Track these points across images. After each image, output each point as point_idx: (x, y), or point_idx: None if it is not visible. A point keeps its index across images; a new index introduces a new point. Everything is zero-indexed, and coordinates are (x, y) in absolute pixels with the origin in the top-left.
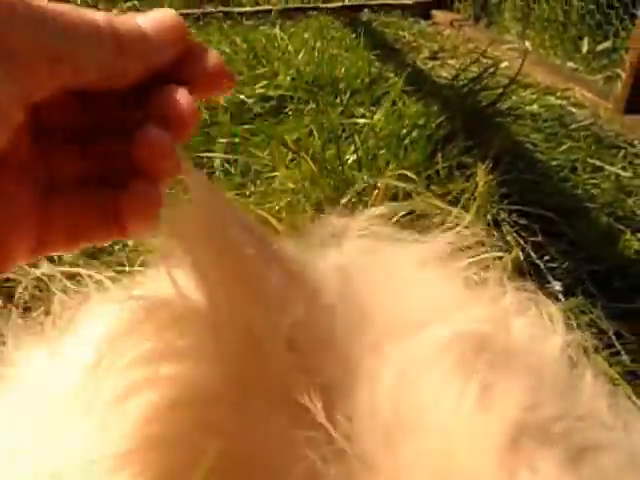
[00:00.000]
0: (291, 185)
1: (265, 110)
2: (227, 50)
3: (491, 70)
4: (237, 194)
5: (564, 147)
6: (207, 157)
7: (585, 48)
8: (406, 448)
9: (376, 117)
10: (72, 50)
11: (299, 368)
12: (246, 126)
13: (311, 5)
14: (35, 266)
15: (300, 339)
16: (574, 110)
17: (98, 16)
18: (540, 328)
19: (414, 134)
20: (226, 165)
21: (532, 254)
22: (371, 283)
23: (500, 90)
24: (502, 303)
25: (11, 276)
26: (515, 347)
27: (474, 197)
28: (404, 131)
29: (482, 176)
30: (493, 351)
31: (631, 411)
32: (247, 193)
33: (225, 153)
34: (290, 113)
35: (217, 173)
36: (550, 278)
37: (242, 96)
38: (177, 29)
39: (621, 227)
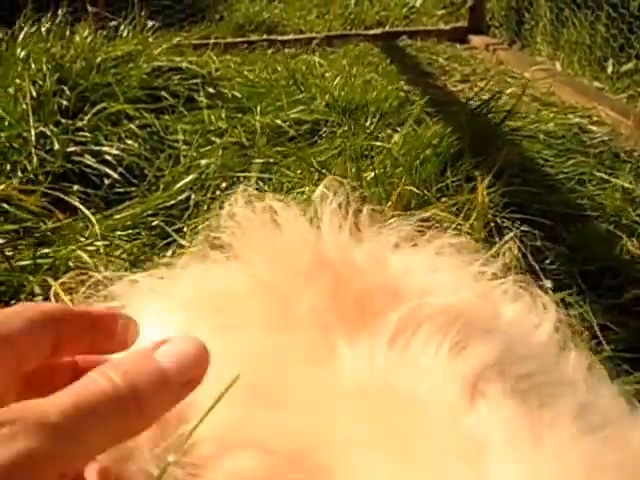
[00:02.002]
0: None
1: (300, 133)
2: (268, 77)
3: (495, 95)
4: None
5: (573, 161)
6: (243, 176)
7: (610, 69)
8: (396, 386)
9: (394, 140)
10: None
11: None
12: (280, 148)
13: (353, 32)
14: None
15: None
16: (593, 128)
17: (115, 378)
18: (533, 312)
19: (427, 152)
20: (260, 183)
21: (529, 256)
22: (394, 267)
23: (505, 112)
24: (491, 284)
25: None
26: (499, 320)
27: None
28: (419, 150)
29: (482, 189)
30: (471, 320)
31: (603, 378)
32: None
33: (260, 172)
34: (324, 136)
35: (252, 190)
36: (542, 277)
37: (278, 121)
38: (202, 362)
39: (619, 233)
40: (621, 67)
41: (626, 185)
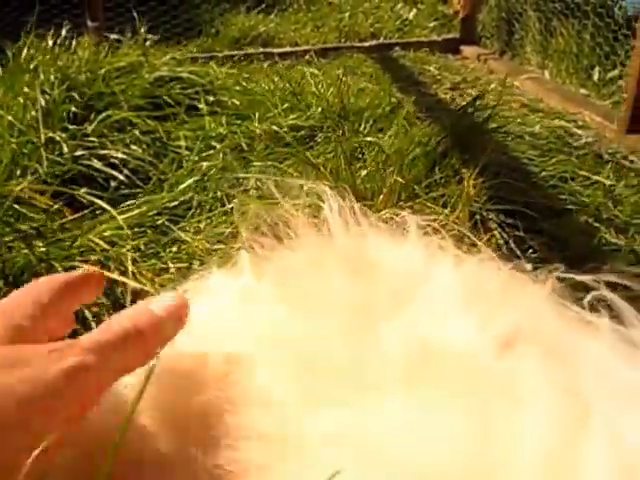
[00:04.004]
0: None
1: (297, 138)
2: (266, 87)
3: (478, 96)
4: (269, 204)
5: (555, 159)
6: (243, 178)
7: (596, 76)
8: (435, 347)
9: (384, 139)
10: None
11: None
12: (279, 149)
13: (347, 44)
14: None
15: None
16: (579, 131)
17: (124, 322)
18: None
19: (417, 151)
20: (259, 184)
21: (512, 245)
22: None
23: (488, 112)
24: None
25: None
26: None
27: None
28: (409, 148)
29: (467, 180)
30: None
31: None
32: (277, 204)
33: (258, 175)
34: (319, 141)
35: (251, 191)
36: (523, 262)
37: (275, 127)
38: (184, 308)
39: (599, 226)
40: (607, 74)
41: (607, 183)
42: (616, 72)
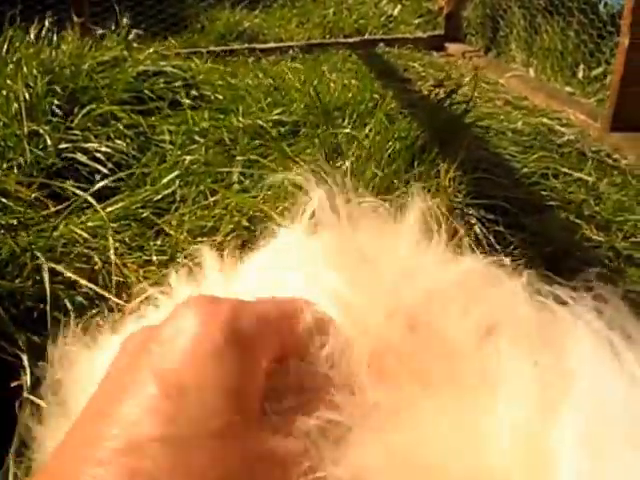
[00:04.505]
0: (293, 189)
1: (280, 133)
2: (249, 82)
3: (453, 90)
4: (251, 197)
5: (536, 156)
6: (226, 172)
7: (581, 74)
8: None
9: (364, 134)
10: None
11: None
12: (261, 142)
13: (332, 40)
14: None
15: None
16: (562, 129)
17: None
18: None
19: (397, 145)
20: (242, 178)
21: (492, 240)
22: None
23: (464, 107)
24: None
25: None
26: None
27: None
28: (389, 142)
29: (445, 176)
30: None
31: None
32: (258, 196)
33: (242, 169)
34: (303, 136)
35: (234, 185)
36: (503, 256)
37: (259, 121)
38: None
39: (580, 222)
40: (591, 72)
41: (590, 180)
42: (600, 70)
